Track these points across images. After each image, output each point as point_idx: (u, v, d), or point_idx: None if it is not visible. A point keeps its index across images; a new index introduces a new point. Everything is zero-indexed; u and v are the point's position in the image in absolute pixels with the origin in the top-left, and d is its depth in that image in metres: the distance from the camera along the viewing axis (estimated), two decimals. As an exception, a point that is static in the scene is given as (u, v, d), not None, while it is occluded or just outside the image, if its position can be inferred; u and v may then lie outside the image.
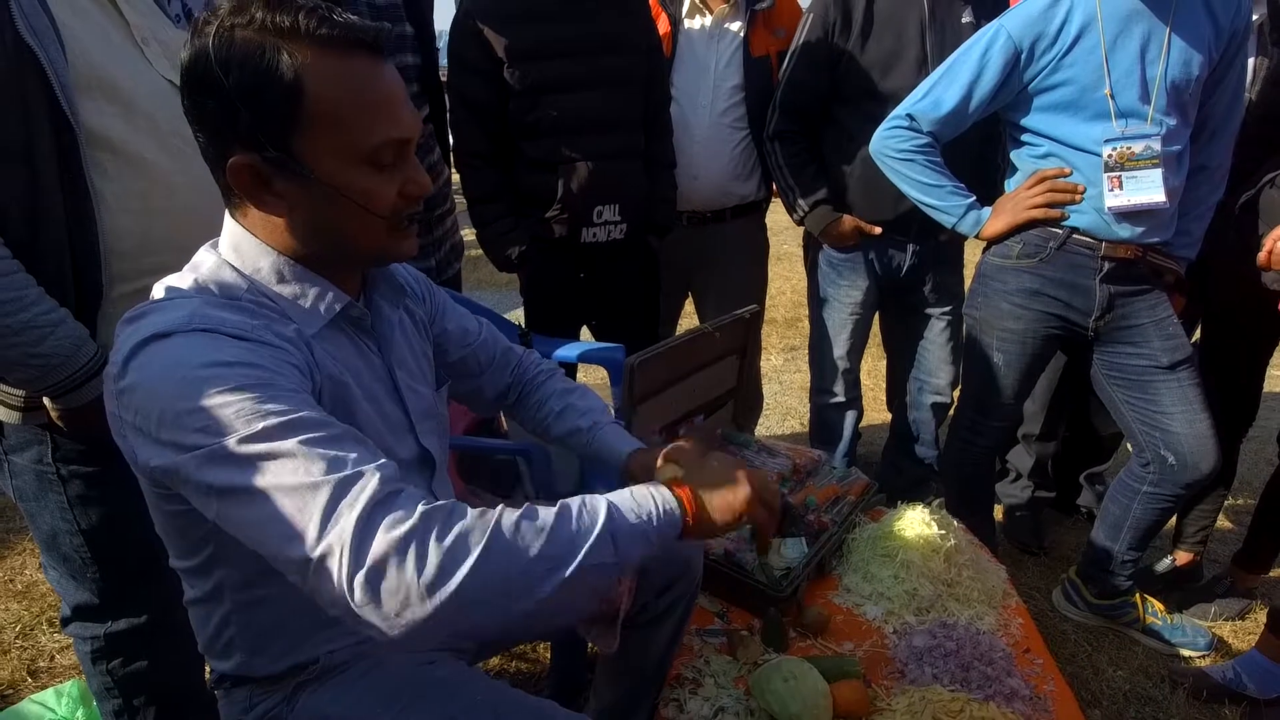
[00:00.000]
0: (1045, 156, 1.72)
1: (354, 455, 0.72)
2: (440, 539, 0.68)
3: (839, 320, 2.24)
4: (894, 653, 1.39)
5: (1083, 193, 1.66)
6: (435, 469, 1.04)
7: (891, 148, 1.77)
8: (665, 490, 0.85)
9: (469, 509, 0.73)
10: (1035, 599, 2.19)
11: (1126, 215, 1.64)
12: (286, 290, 0.86)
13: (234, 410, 0.70)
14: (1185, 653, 1.93)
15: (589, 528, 0.76)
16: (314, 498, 0.68)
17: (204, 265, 0.86)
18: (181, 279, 0.84)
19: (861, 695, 1.23)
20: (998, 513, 2.49)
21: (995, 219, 1.76)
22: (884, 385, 2.75)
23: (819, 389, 2.40)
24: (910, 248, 2.10)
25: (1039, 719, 1.24)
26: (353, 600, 0.66)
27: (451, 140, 1.97)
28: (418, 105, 1.87)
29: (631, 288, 2.10)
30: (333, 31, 0.77)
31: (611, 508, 0.79)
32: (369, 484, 0.69)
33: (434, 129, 1.94)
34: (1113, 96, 1.61)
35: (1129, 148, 1.62)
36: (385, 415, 0.95)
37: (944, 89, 1.71)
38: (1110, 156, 1.62)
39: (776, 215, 2.69)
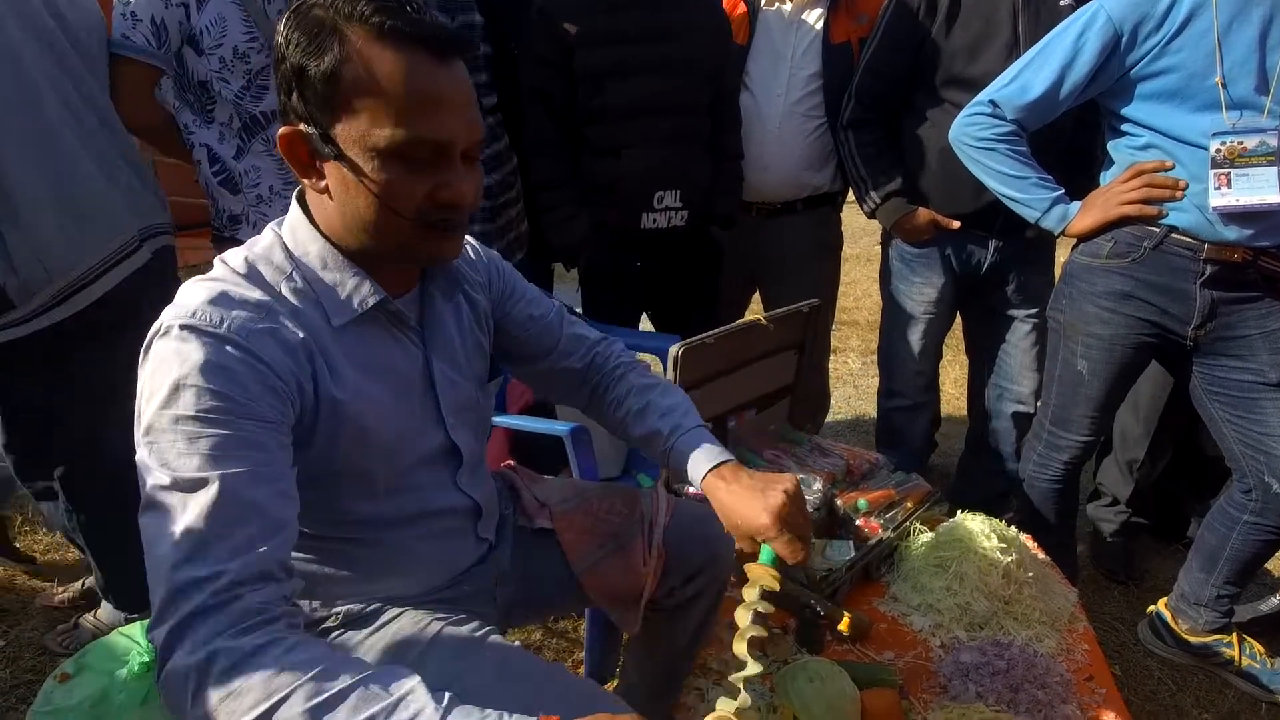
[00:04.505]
0: (1145, 148, 1.58)
1: (228, 545, 0.70)
2: (215, 685, 0.65)
3: (911, 319, 2.14)
4: (938, 667, 1.32)
5: (1184, 189, 1.52)
6: (463, 462, 1.04)
7: (972, 135, 1.68)
8: None
9: (278, 647, 0.68)
10: (1118, 631, 2.02)
11: (1234, 216, 1.49)
12: (329, 278, 0.88)
13: (172, 440, 0.73)
14: (1286, 702, 1.75)
15: None
16: (164, 583, 0.69)
17: (261, 242, 0.90)
18: (236, 254, 0.88)
19: (894, 706, 1.18)
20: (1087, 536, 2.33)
21: (1084, 215, 1.63)
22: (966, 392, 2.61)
23: (888, 391, 2.31)
24: (992, 244, 1.98)
25: (1092, 752, 1.15)
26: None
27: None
28: (484, 94, 1.91)
29: (692, 277, 2.08)
30: (393, 22, 0.78)
31: None
32: (199, 595, 0.68)
33: (502, 117, 1.98)
34: (1224, 85, 1.46)
35: (1241, 142, 1.46)
36: (411, 408, 0.96)
37: (1033, 73, 1.60)
38: (1219, 152, 1.47)
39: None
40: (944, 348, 2.33)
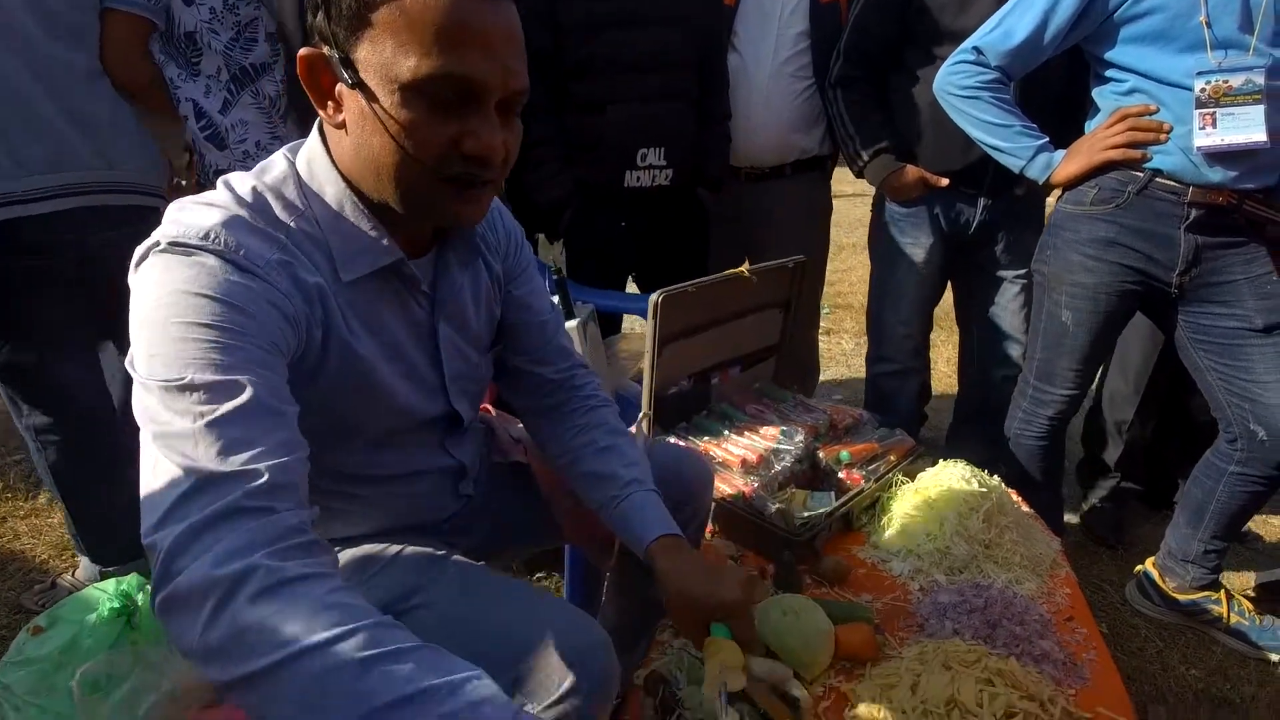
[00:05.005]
0: (1130, 93, 1.56)
1: (262, 446, 0.63)
2: (248, 605, 0.56)
3: (900, 280, 2.12)
4: (915, 608, 1.30)
5: (1169, 132, 1.50)
6: (457, 428, 1.02)
7: (955, 84, 1.66)
8: None
9: (326, 583, 0.60)
10: (1105, 592, 2.01)
11: (1219, 157, 1.47)
12: (343, 226, 0.80)
13: (181, 348, 0.66)
14: (1274, 657, 1.72)
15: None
16: (184, 480, 0.60)
17: (272, 171, 0.81)
18: (243, 180, 0.79)
19: (869, 640, 1.16)
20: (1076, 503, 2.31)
21: (1068, 161, 1.62)
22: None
23: (876, 356, 2.28)
24: (981, 202, 1.96)
25: (1070, 684, 1.13)
26: (154, 609, 0.59)
27: None
28: None
29: (678, 239, 2.06)
30: None
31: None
32: (233, 491, 0.60)
33: None
34: (1209, 24, 1.45)
35: (1226, 81, 1.45)
36: (415, 373, 0.92)
37: (1017, 19, 1.58)
38: (1203, 91, 1.46)
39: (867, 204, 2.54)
40: (936, 327, 2.30)
